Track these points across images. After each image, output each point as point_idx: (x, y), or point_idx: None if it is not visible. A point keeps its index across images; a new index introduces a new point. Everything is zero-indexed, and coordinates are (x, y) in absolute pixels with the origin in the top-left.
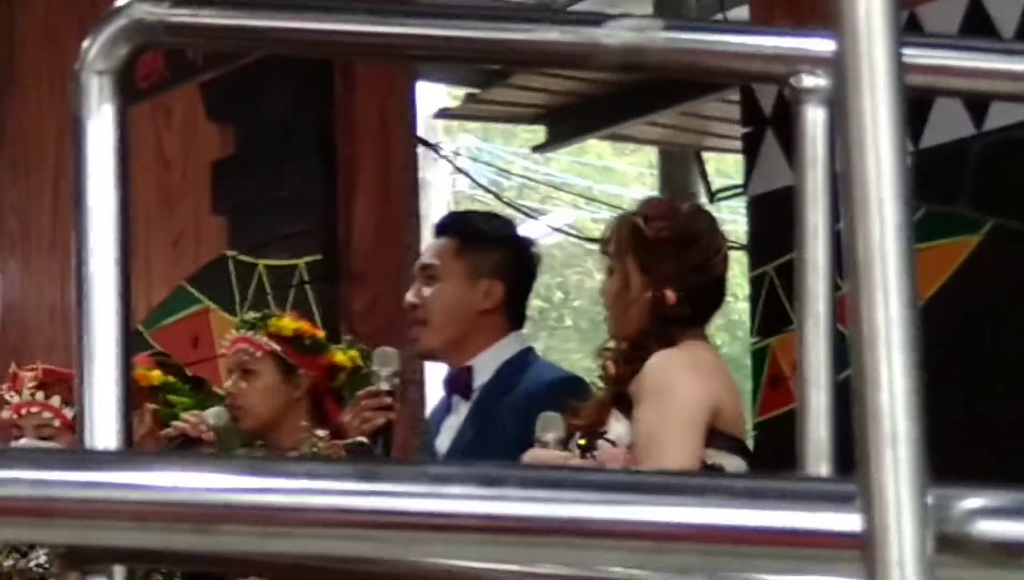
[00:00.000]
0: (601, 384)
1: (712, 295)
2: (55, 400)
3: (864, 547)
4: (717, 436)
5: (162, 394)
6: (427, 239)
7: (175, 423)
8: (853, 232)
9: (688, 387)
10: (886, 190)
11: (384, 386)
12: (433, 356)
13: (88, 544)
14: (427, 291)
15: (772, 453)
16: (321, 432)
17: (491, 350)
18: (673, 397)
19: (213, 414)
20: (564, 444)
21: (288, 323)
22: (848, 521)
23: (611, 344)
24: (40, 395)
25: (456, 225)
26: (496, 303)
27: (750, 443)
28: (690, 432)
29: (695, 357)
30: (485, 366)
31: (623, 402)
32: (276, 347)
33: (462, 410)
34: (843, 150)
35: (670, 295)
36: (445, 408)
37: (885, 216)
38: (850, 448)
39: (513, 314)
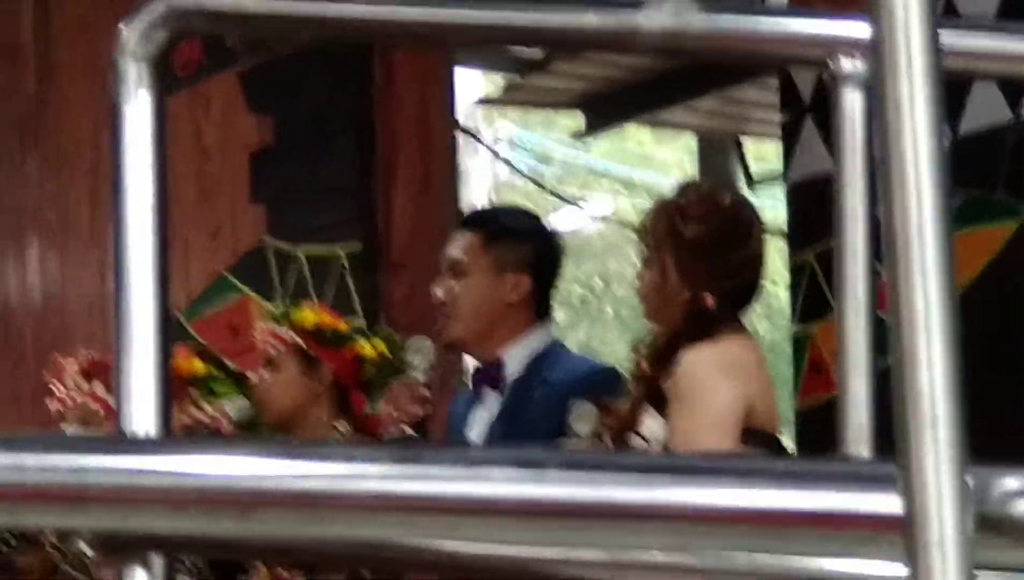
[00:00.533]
0: (634, 381)
1: (751, 295)
2: (99, 389)
3: (904, 528)
4: (749, 433)
5: (206, 383)
6: None
7: (191, 412)
8: (891, 217)
9: (720, 390)
10: (924, 174)
11: (420, 377)
12: (459, 347)
13: (125, 529)
14: (454, 285)
15: (814, 441)
16: (342, 426)
17: (520, 343)
18: (705, 401)
19: (235, 408)
20: (598, 438)
21: (310, 315)
22: (888, 503)
23: (645, 339)
24: (85, 385)
25: (482, 220)
26: (523, 296)
27: (791, 431)
28: (725, 431)
29: (728, 356)
30: (514, 359)
31: (657, 398)
32: (298, 340)
33: (492, 403)
34: (880, 134)
35: (708, 299)
36: (471, 400)
37: (923, 200)
38: (890, 435)
39: (539, 306)
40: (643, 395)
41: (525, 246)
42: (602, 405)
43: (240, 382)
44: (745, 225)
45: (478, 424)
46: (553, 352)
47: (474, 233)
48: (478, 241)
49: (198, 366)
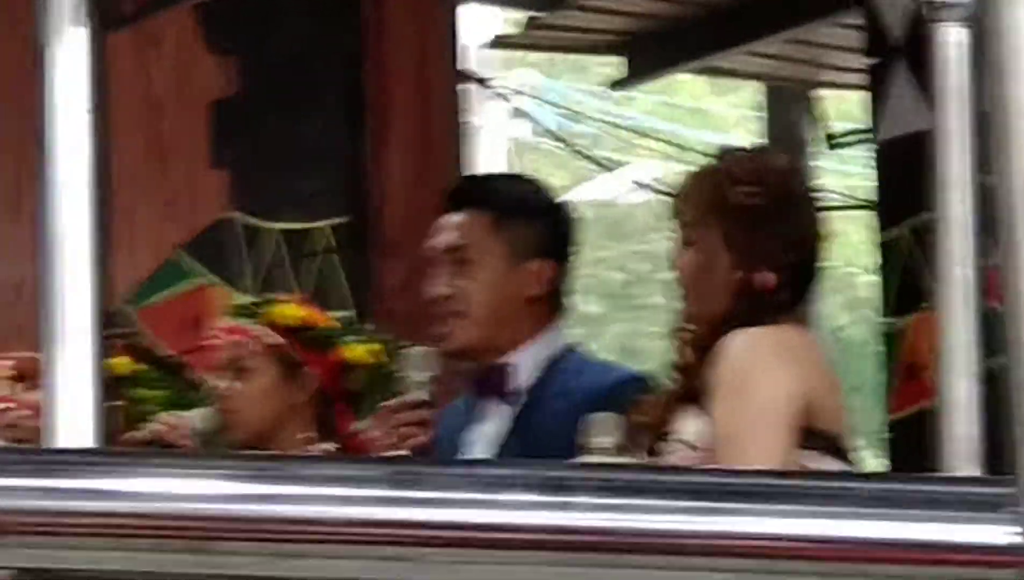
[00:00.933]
0: (673, 375)
1: (811, 274)
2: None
3: (1022, 563)
4: (810, 435)
5: (130, 387)
6: None
7: (149, 426)
8: (1007, 179)
9: (774, 378)
10: None
11: (419, 395)
12: (467, 355)
13: (50, 567)
14: (462, 279)
15: (908, 460)
16: (327, 446)
17: (533, 344)
18: (756, 390)
19: (199, 417)
20: (621, 451)
21: (291, 310)
22: (1002, 532)
23: (687, 326)
24: (19, 389)
25: (485, 194)
26: (546, 287)
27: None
28: (778, 432)
29: (783, 340)
30: (526, 364)
31: (700, 396)
32: (277, 340)
33: (498, 416)
34: (992, 78)
35: (764, 278)
36: (466, 412)
37: None
38: (1003, 450)
39: (559, 300)
40: (683, 390)
41: (541, 223)
42: (632, 403)
43: (176, 379)
44: (803, 190)
45: (480, 442)
46: (570, 358)
47: (478, 212)
48: (486, 222)
49: (121, 364)
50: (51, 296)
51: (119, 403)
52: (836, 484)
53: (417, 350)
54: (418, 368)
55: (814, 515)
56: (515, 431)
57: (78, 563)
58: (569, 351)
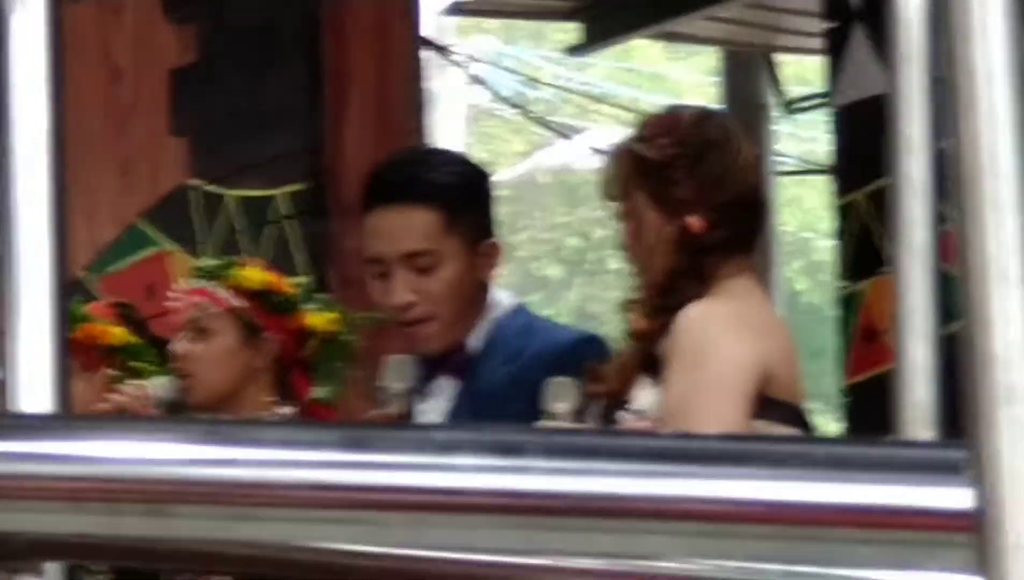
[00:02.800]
0: (629, 343)
1: (748, 213)
2: None
3: (975, 528)
4: (769, 405)
5: (123, 357)
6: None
7: (111, 396)
8: (960, 145)
9: (731, 345)
10: (999, 86)
11: (396, 407)
12: (437, 350)
13: (10, 530)
14: (425, 282)
15: (866, 425)
16: (284, 410)
17: (485, 317)
18: (712, 358)
19: (158, 384)
20: (579, 416)
21: (255, 274)
22: (955, 496)
23: (637, 294)
24: None
25: (427, 188)
26: (497, 265)
27: (835, 413)
28: (732, 399)
29: (739, 309)
30: (476, 336)
31: (653, 366)
32: (239, 303)
33: (448, 390)
34: (947, 40)
35: (693, 222)
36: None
37: (999, 123)
38: (959, 415)
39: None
40: (637, 360)
41: (485, 205)
42: (585, 372)
43: (163, 354)
44: (719, 129)
45: (431, 418)
46: (519, 319)
47: (427, 210)
48: (439, 221)
49: (118, 334)
50: (11, 263)
51: (113, 373)
52: (790, 448)
53: (395, 359)
54: (396, 379)
55: (767, 478)
56: (463, 403)
57: (32, 526)
58: (518, 313)
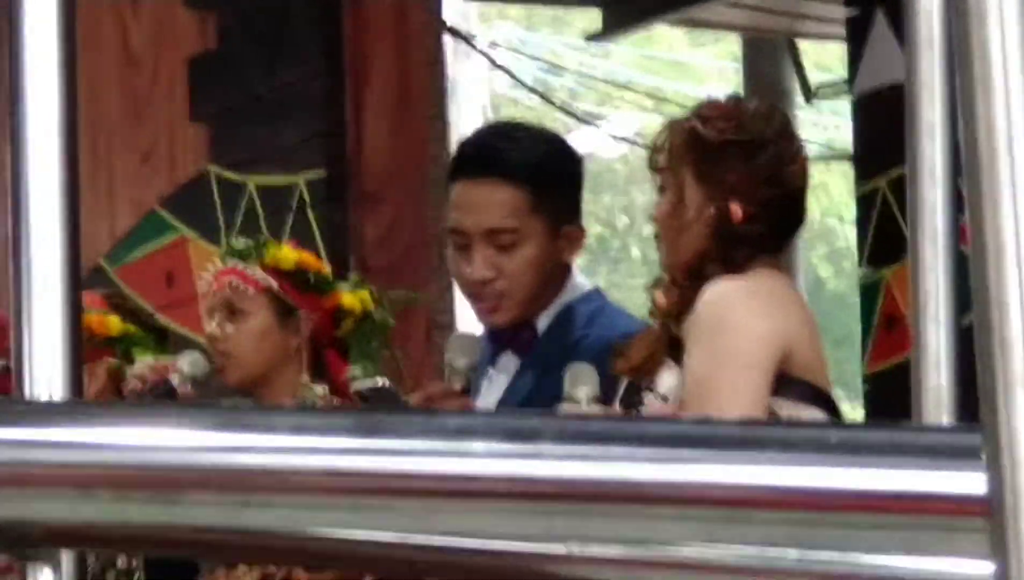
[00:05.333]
0: (654, 324)
1: (789, 213)
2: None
3: (989, 512)
4: (790, 383)
5: (122, 346)
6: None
7: (133, 372)
8: (972, 130)
9: (751, 322)
10: (1013, 72)
11: (459, 383)
12: (508, 326)
13: (23, 518)
14: (505, 259)
15: (888, 412)
16: (320, 388)
17: (558, 299)
18: (732, 334)
19: (188, 362)
20: (602, 402)
21: (289, 254)
22: (970, 481)
23: (666, 274)
24: None
25: (517, 165)
26: (579, 249)
27: (858, 400)
28: (752, 376)
29: (762, 286)
30: (547, 315)
31: (677, 348)
32: (273, 283)
33: (511, 366)
34: (960, 25)
35: (736, 209)
36: (484, 363)
37: (1012, 103)
38: (976, 400)
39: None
40: (662, 339)
41: (573, 188)
42: (613, 354)
43: (164, 344)
44: (778, 126)
45: (489, 392)
46: (589, 304)
47: (515, 188)
48: (525, 199)
49: (113, 323)
50: (23, 248)
51: (111, 362)
52: (805, 433)
53: (460, 335)
54: (460, 355)
55: (783, 463)
56: (522, 381)
57: (44, 514)
58: (591, 298)
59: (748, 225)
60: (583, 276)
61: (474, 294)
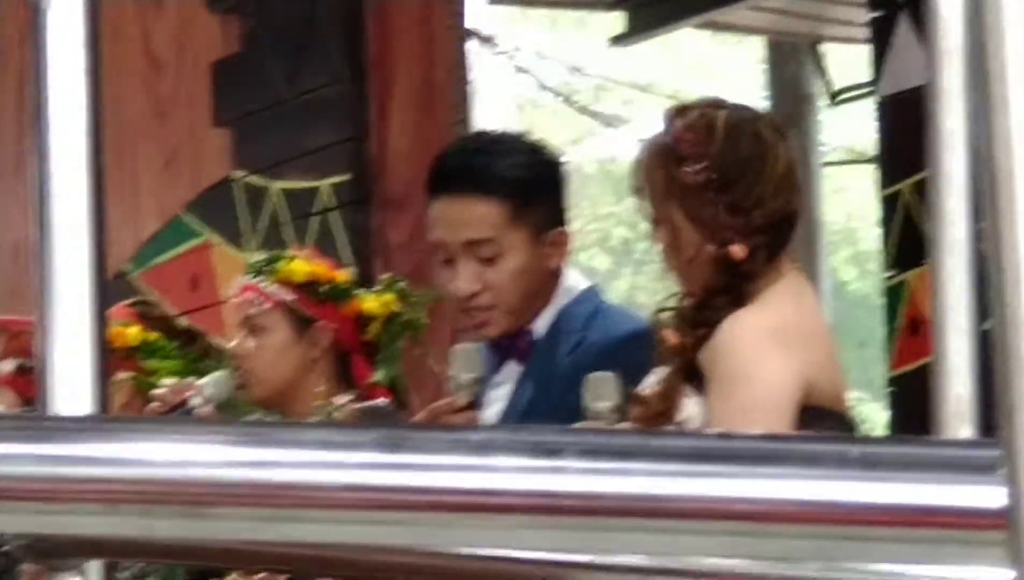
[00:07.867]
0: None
1: (786, 223)
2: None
3: (1007, 526)
4: (810, 413)
5: (140, 356)
6: None
7: (155, 393)
8: (990, 135)
9: (772, 364)
10: None
11: (465, 397)
12: (501, 336)
13: (52, 532)
14: (490, 271)
15: (911, 415)
16: (341, 399)
17: (552, 304)
18: (752, 382)
19: (211, 382)
20: (622, 413)
21: (300, 266)
22: (988, 494)
23: (671, 303)
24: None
25: (494, 179)
26: (565, 253)
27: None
28: (778, 421)
29: (779, 320)
30: (543, 321)
31: (693, 375)
32: (287, 297)
33: (514, 375)
34: (979, 32)
35: (737, 250)
36: (490, 374)
37: None
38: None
39: (569, 255)
40: (678, 375)
41: (555, 193)
42: (630, 400)
43: (192, 347)
44: (754, 141)
45: (495, 403)
46: (586, 305)
47: (494, 202)
48: (504, 212)
49: (132, 334)
50: (49, 258)
51: (131, 374)
52: (825, 447)
53: (463, 349)
54: (464, 368)
55: (803, 478)
56: (522, 389)
57: (72, 529)
58: (588, 298)
59: (751, 259)
60: (582, 276)
61: (462, 308)
